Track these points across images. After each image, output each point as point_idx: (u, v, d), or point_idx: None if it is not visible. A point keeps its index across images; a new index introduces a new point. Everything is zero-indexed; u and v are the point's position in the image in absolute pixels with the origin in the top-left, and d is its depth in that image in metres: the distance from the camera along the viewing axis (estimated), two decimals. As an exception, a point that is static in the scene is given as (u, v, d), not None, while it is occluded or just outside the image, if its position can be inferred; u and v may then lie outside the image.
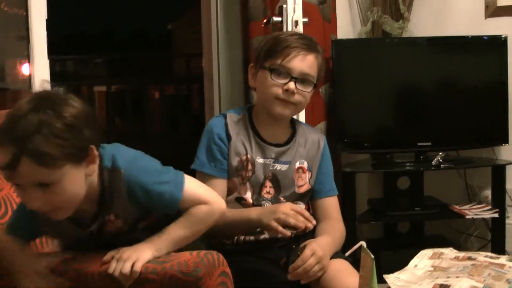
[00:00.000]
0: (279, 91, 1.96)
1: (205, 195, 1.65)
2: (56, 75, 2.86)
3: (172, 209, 1.62)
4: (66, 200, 1.45)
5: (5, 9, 3.47)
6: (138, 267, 1.48)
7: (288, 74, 1.96)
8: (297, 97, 1.97)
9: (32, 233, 1.66)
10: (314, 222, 1.91)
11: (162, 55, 11.93)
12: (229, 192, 2.03)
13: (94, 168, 1.50)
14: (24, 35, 2.95)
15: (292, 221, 1.85)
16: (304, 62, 1.97)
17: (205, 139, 2.04)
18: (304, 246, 1.89)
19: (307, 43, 2.01)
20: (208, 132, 2.04)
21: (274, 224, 1.86)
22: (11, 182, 1.43)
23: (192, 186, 1.64)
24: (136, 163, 1.58)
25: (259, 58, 2.04)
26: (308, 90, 1.99)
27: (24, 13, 2.99)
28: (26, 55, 2.94)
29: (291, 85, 1.95)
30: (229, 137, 2.02)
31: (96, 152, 1.47)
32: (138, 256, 1.50)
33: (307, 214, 1.91)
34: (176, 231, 1.60)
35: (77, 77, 9.32)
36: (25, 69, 3.66)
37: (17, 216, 1.66)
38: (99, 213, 1.57)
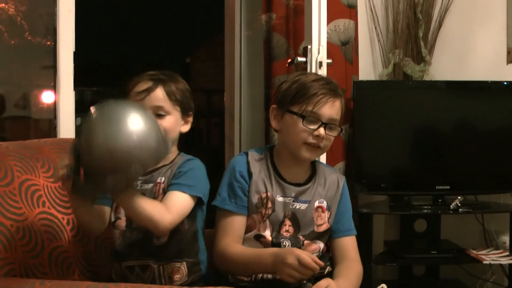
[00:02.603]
0: (308, 137, 1.99)
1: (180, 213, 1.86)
2: (76, 105, 2.89)
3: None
4: (168, 131, 1.83)
5: (29, 38, 3.52)
6: None
7: (317, 120, 1.99)
8: (324, 142, 2.01)
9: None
10: (321, 263, 1.87)
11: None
12: (249, 229, 2.05)
13: (187, 128, 2.00)
14: (48, 65, 3.00)
15: (297, 275, 1.82)
16: (333, 109, 2.01)
17: (227, 176, 2.07)
18: None
19: (333, 88, 2.05)
20: (230, 170, 2.07)
21: (285, 278, 1.83)
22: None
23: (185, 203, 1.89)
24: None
25: (284, 101, 2.06)
26: (334, 134, 2.03)
27: (49, 43, 3.04)
28: (50, 85, 2.98)
29: (321, 131, 1.98)
30: (250, 175, 2.05)
31: (191, 119, 2.00)
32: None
33: (314, 258, 1.84)
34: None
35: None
36: (46, 98, 3.70)
37: None
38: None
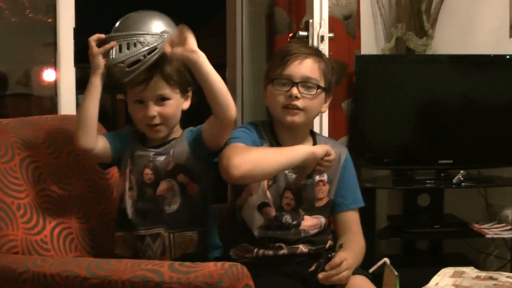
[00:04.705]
0: (283, 99, 1.98)
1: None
2: (77, 82, 2.88)
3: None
4: (171, 115, 1.93)
5: (30, 15, 3.51)
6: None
7: (289, 81, 1.97)
8: (302, 102, 1.97)
9: (115, 146, 2.00)
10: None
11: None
12: (249, 192, 2.01)
13: (187, 104, 1.98)
14: (49, 42, 2.99)
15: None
16: (302, 66, 1.99)
17: (241, 128, 2.06)
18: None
19: (305, 50, 2.03)
20: (243, 126, 2.08)
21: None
22: (139, 98, 1.91)
23: None
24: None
25: (266, 76, 2.07)
26: (312, 93, 1.99)
27: (50, 20, 3.03)
28: (51, 62, 2.98)
29: (294, 90, 1.96)
30: (262, 138, 2.04)
31: (190, 94, 1.98)
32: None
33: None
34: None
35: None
36: (47, 75, 3.70)
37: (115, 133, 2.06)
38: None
